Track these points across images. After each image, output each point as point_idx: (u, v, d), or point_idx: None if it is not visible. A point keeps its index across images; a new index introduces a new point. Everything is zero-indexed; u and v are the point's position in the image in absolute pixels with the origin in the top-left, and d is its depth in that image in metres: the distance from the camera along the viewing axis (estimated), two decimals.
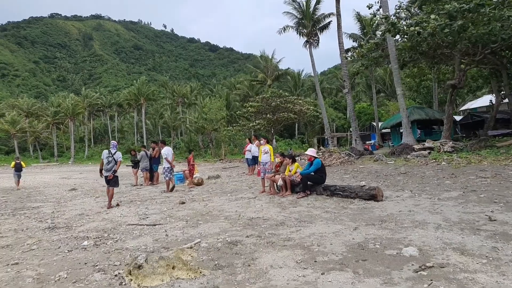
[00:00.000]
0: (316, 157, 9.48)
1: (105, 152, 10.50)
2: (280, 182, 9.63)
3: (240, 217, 7.38)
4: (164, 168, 12.47)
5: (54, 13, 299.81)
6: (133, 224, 7.45)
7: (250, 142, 18.03)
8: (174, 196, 11.37)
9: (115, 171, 10.26)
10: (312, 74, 67.97)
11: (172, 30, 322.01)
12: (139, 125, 71.09)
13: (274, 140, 39.86)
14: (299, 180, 9.42)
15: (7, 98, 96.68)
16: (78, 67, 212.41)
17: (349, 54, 25.28)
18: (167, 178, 12.41)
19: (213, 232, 6.31)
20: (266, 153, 10.80)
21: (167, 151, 12.50)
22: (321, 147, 29.08)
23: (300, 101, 34.18)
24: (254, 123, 34.40)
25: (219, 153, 47.29)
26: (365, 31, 31.62)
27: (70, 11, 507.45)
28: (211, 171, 21.55)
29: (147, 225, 7.30)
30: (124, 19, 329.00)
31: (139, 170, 16.81)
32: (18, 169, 19.34)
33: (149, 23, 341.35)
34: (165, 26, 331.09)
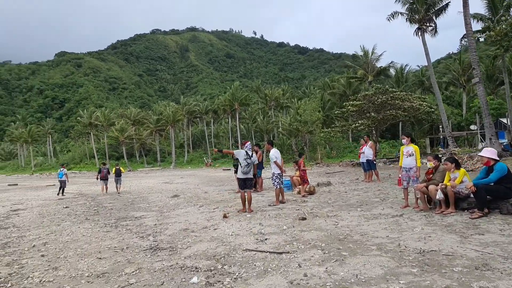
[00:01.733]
0: (498, 160, 6.80)
1: (242, 153, 9.31)
2: (439, 195, 7.10)
3: (403, 249, 5.15)
4: (273, 174, 10.61)
5: (155, 29, 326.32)
6: (251, 250, 5.68)
7: (366, 143, 15.47)
8: (287, 208, 9.51)
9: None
10: (416, 68, 62.28)
11: (261, 36, 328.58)
12: (233, 130, 72.02)
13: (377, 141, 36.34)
14: (469, 192, 6.85)
15: (117, 108, 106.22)
16: (176, 77, 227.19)
17: (478, 35, 21.16)
18: (278, 187, 10.53)
19: (376, 274, 4.19)
20: (410, 155, 8.28)
21: (275, 154, 10.60)
22: (440, 149, 25.15)
23: (409, 97, 30.37)
24: (356, 123, 31.45)
25: (314, 156, 45.01)
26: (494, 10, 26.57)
27: (169, 26, 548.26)
28: (315, 177, 19.48)
29: (270, 252, 5.47)
30: (217, 29, 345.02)
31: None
32: (118, 174, 20.17)
33: (239, 31, 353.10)
34: (255, 33, 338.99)
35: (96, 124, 76.61)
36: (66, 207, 14.28)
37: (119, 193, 19.43)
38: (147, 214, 10.76)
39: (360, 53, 48.63)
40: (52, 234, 8.56)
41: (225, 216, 8.83)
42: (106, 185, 20.04)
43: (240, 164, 9.32)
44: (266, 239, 6.31)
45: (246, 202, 9.46)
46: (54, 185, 33.62)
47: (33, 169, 79.38)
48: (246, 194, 9.43)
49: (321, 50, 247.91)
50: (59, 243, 7.44)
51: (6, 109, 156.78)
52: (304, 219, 7.75)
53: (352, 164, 30.34)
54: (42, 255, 6.47)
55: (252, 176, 9.63)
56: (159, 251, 6.12)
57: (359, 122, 31.06)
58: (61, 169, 21.54)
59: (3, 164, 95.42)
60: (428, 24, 27.51)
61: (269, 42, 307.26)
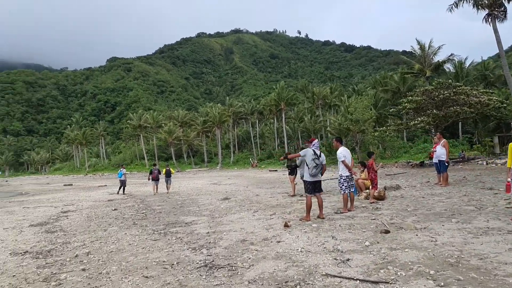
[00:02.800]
0: None
1: (309, 152, 8.16)
2: None
3: None
4: (340, 176, 9.20)
5: (201, 33, 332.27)
6: (334, 276, 4.41)
7: (438, 141, 13.59)
8: (360, 217, 8.12)
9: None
10: (479, 61, 57.53)
11: (306, 35, 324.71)
12: (279, 130, 70.79)
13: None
14: None
15: (165, 111, 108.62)
16: (221, 80, 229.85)
17: None
18: (345, 192, 9.10)
19: None
20: None
21: (343, 152, 9.16)
22: None
23: (474, 92, 27.56)
24: (415, 121, 29.05)
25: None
26: None
27: (213, 29, 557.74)
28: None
29: (361, 280, 4.17)
30: (261, 30, 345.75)
31: (296, 177, 14.10)
32: (168, 175, 21.18)
33: (284, 31, 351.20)
34: (299, 32, 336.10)
35: (145, 126, 78.43)
36: (114, 210, 13.78)
37: (168, 192, 20.00)
38: (198, 219, 9.80)
39: (416, 46, 45.48)
40: (97, 241, 7.82)
41: (286, 225, 7.63)
42: (157, 185, 20.68)
43: (307, 165, 8.10)
44: (348, 259, 5.01)
45: (318, 207, 8.29)
46: (105, 185, 34.19)
47: (87, 169, 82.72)
48: (316, 198, 8.30)
49: (369, 47, 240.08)
50: (103, 254, 6.61)
51: (64, 113, 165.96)
52: (387, 232, 6.35)
53: (411, 165, 28.08)
54: (83, 269, 5.63)
55: (321, 178, 8.37)
56: (216, 270, 5.02)
57: (418, 119, 28.67)
58: (121, 169, 22.76)
59: (60, 165, 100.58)
60: (499, 9, 24.73)
61: (314, 41, 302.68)
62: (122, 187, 21.89)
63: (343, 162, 9.02)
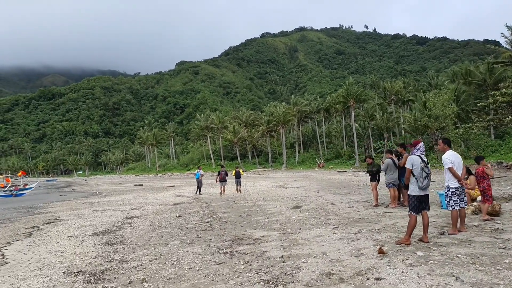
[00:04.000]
0: None
1: (415, 160, 6.65)
2: None
3: None
4: (447, 188, 7.28)
5: (265, 33, 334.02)
6: None
7: None
8: (480, 243, 6.22)
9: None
10: None
11: (374, 30, 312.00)
12: (347, 128, 67.74)
13: None
14: None
15: (231, 111, 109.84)
16: (285, 79, 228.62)
17: None
18: (454, 208, 7.15)
19: None
20: None
21: (452, 157, 7.22)
22: None
23: None
24: (509, 117, 25.31)
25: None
26: None
27: (277, 28, 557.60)
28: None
29: None
30: (326, 27, 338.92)
31: (385, 186, 12.18)
32: (237, 176, 21.29)
33: (350, 26, 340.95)
34: (366, 27, 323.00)
35: (212, 127, 79.55)
36: (179, 216, 13.03)
37: (239, 193, 20.43)
38: (268, 234, 8.47)
39: (507, 33, 40.19)
40: (155, 260, 6.83)
41: (381, 252, 5.98)
42: (224, 186, 20.64)
43: (415, 176, 6.41)
44: None
45: (421, 227, 6.58)
46: (173, 186, 34.43)
47: (158, 169, 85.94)
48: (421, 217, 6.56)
49: (444, 39, 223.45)
50: (159, 282, 5.51)
51: (137, 116, 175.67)
52: None
53: (507, 166, 24.47)
54: None
55: (428, 193, 6.64)
56: None
57: None
58: (198, 170, 23.31)
59: (133, 165, 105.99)
60: None
61: (383, 35, 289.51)
62: (199, 188, 22.27)
63: (450, 169, 7.10)
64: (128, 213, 15.21)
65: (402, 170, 11.42)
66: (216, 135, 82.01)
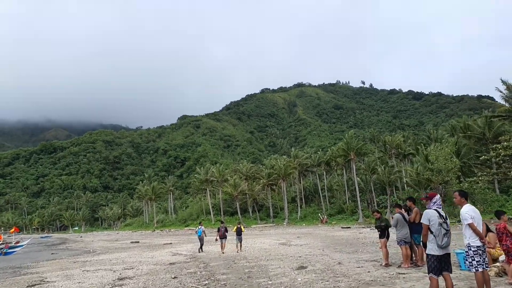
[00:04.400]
0: None
1: (433, 214, 6.10)
2: None
3: None
4: (468, 246, 6.51)
5: (264, 88, 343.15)
6: None
7: None
8: None
9: None
10: None
11: (371, 85, 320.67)
12: (349, 182, 66.86)
13: None
14: None
15: (231, 164, 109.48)
16: (285, 132, 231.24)
17: None
18: (478, 270, 6.33)
19: None
20: None
21: (471, 212, 6.49)
22: None
23: None
24: None
25: (454, 212, 37.55)
26: None
27: (276, 84, 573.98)
28: None
29: None
30: (323, 83, 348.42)
31: (395, 243, 11.35)
32: (238, 233, 20.40)
33: (347, 82, 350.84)
34: (363, 83, 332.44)
35: (212, 180, 78.62)
36: (174, 278, 12.07)
37: (240, 250, 19.73)
38: None
39: (502, 87, 40.91)
40: None
41: None
42: (224, 243, 20.06)
43: (432, 232, 5.76)
44: None
45: None
46: (170, 243, 33.01)
47: (155, 225, 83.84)
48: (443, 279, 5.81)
49: (439, 94, 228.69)
50: None
51: (137, 169, 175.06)
52: None
53: None
54: None
55: (449, 251, 5.93)
56: None
57: None
58: (200, 227, 22.79)
59: (130, 220, 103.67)
60: None
61: (379, 90, 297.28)
62: (201, 245, 21.67)
63: (471, 226, 6.39)
64: (120, 274, 14.21)
65: (413, 225, 10.68)
66: (216, 189, 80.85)
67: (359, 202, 56.38)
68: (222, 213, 72.76)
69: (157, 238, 46.46)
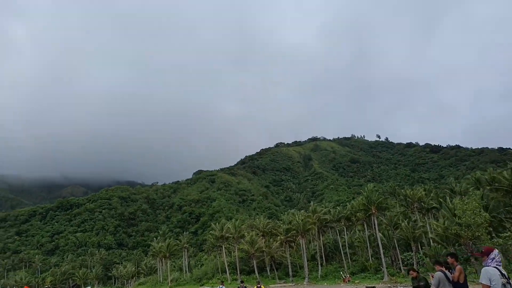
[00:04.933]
0: None
1: (493, 273, 5.27)
2: None
3: None
4: None
5: (279, 143, 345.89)
6: None
7: None
8: None
9: None
10: None
11: (386, 139, 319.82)
12: (371, 238, 63.96)
13: None
14: None
15: (247, 220, 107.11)
16: (301, 186, 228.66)
17: None
18: None
19: None
20: None
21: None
22: None
23: None
24: None
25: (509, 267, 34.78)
26: None
27: (291, 138, 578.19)
28: None
29: None
30: (338, 137, 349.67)
31: None
32: None
33: (362, 136, 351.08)
34: (378, 136, 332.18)
35: (227, 237, 76.36)
36: None
37: None
38: None
39: None
40: None
41: None
42: None
43: None
44: None
45: None
46: None
47: (169, 284, 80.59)
48: None
49: (457, 147, 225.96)
50: None
51: (151, 226, 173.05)
52: None
53: None
54: None
55: None
56: None
57: None
58: (221, 286, 23.29)
59: (144, 279, 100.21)
60: None
61: (395, 143, 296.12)
62: None
63: None
64: None
65: (457, 286, 9.39)
66: (231, 246, 78.27)
67: (383, 259, 53.44)
68: (238, 272, 69.73)
69: None
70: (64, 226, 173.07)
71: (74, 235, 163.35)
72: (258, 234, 73.59)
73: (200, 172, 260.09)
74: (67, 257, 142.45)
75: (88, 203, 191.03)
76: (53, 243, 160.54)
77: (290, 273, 65.35)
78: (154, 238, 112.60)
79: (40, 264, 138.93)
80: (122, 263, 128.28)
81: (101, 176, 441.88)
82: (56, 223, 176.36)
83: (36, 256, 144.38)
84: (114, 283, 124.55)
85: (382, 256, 53.36)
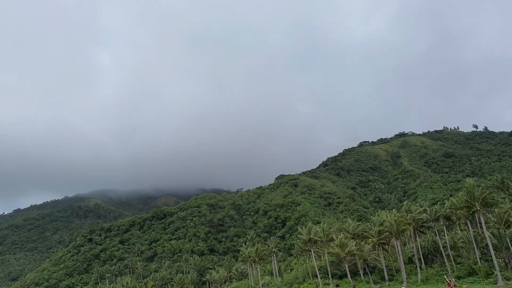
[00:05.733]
0: None
1: None
2: None
3: None
4: None
5: (363, 142, 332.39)
6: None
7: None
8: None
9: None
10: None
11: (485, 128, 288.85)
12: (477, 238, 57.09)
13: None
14: None
15: (335, 223, 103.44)
16: (391, 186, 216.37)
17: None
18: None
19: None
20: None
21: None
22: None
23: None
24: None
25: None
26: None
27: (375, 136, 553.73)
28: None
29: None
30: (428, 130, 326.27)
31: None
32: None
33: (456, 128, 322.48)
34: (476, 127, 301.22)
35: (316, 240, 74.05)
36: None
37: None
38: None
39: None
40: None
41: None
42: None
43: None
44: None
45: None
46: None
47: None
48: None
49: None
50: None
51: (239, 231, 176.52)
52: None
53: None
54: None
55: None
56: None
57: None
58: None
59: (236, 284, 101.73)
60: None
61: (497, 133, 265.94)
62: None
63: None
64: None
65: None
66: (321, 250, 75.72)
67: (495, 261, 47.14)
68: (330, 276, 67.03)
69: None
70: (160, 234, 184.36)
71: (169, 243, 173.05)
72: (347, 237, 70.22)
73: (282, 176, 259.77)
74: (164, 263, 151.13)
75: (179, 212, 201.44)
76: (151, 250, 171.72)
77: (386, 277, 60.91)
78: (243, 244, 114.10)
79: (142, 270, 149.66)
80: (214, 268, 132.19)
81: (188, 186, 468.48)
82: (152, 232, 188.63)
83: (138, 262, 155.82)
84: (209, 287, 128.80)
85: (494, 257, 47.08)
